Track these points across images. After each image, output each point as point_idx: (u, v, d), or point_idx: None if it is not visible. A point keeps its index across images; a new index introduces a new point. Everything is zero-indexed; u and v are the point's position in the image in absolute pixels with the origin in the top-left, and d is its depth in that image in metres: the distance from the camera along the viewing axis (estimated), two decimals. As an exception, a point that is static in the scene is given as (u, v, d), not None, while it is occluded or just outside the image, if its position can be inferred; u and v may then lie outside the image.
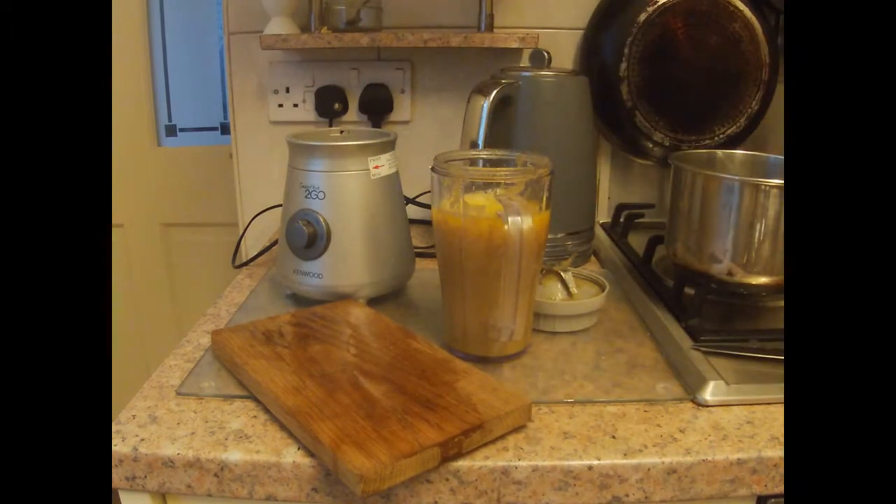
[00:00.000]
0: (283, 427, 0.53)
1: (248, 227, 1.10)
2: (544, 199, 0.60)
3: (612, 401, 0.57)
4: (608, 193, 1.12)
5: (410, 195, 1.02)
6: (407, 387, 0.54)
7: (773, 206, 0.69)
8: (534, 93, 0.84)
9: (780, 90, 0.99)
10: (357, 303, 0.72)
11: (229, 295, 0.81)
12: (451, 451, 0.48)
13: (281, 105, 1.10)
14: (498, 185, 0.59)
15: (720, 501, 0.52)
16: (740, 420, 0.54)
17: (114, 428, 0.53)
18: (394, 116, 1.09)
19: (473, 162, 0.68)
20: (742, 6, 0.92)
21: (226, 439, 0.51)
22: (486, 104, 0.80)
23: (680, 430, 0.53)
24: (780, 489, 0.50)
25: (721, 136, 0.98)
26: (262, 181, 1.14)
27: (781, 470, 0.50)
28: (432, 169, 0.61)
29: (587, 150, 0.90)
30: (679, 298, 0.72)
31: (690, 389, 0.58)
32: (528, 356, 0.65)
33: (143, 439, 0.51)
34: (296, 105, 1.09)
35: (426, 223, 1.09)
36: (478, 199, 0.59)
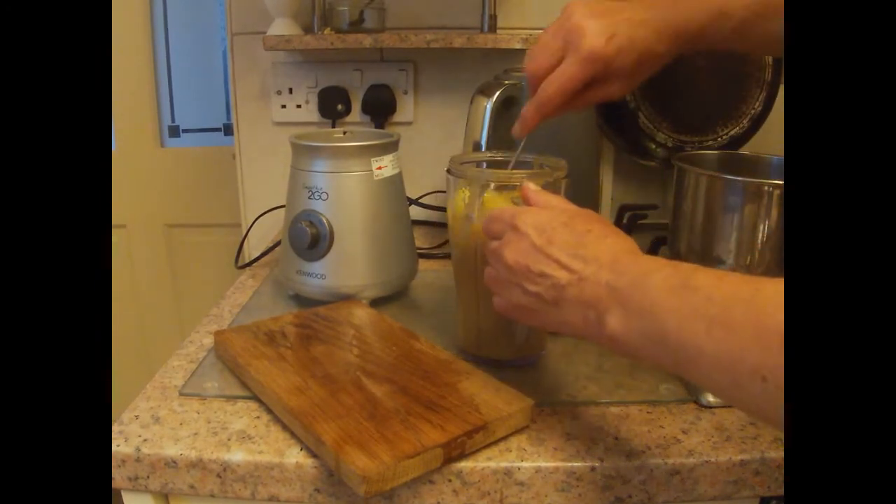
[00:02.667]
0: (285, 428, 0.53)
1: (251, 227, 1.10)
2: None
3: (614, 402, 0.57)
4: (611, 195, 1.12)
5: (413, 196, 1.02)
6: (410, 388, 0.54)
7: (776, 208, 0.69)
8: (536, 94, 0.84)
9: (783, 91, 0.99)
10: (360, 303, 0.72)
11: (232, 295, 0.81)
12: (454, 451, 0.48)
13: (284, 106, 1.10)
14: (514, 187, 0.59)
15: (723, 502, 0.52)
16: (743, 421, 0.54)
17: (116, 428, 0.53)
18: (397, 117, 1.10)
19: (489, 164, 0.67)
20: (745, 7, 0.92)
21: (228, 440, 0.51)
22: (488, 105, 0.80)
23: (683, 432, 0.53)
24: (783, 490, 0.50)
25: (724, 137, 0.98)
26: (265, 182, 1.14)
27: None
28: (448, 171, 0.61)
29: (590, 152, 0.89)
30: (682, 299, 0.71)
31: (693, 390, 0.58)
32: (531, 357, 0.65)
33: (145, 440, 0.51)
34: (299, 106, 1.10)
35: (429, 224, 1.09)
36: (494, 200, 0.59)
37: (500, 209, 0.52)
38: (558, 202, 0.52)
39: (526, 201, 0.53)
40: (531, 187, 0.54)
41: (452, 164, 0.61)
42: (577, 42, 0.53)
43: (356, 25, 0.99)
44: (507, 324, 0.61)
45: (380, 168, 0.74)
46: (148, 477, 0.51)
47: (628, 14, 0.54)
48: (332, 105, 1.08)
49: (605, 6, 0.54)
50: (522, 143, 0.59)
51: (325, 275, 0.73)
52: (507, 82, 0.82)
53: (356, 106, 1.09)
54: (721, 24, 0.56)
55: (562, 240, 0.46)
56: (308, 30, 1.02)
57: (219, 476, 0.50)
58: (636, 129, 0.97)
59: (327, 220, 0.72)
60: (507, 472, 0.49)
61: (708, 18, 0.56)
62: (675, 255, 0.81)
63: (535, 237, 0.47)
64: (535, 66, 0.56)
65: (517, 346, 0.62)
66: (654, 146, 0.99)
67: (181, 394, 0.58)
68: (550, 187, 0.58)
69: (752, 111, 0.97)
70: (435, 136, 1.10)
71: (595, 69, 0.54)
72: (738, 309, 0.35)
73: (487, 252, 0.51)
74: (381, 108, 1.08)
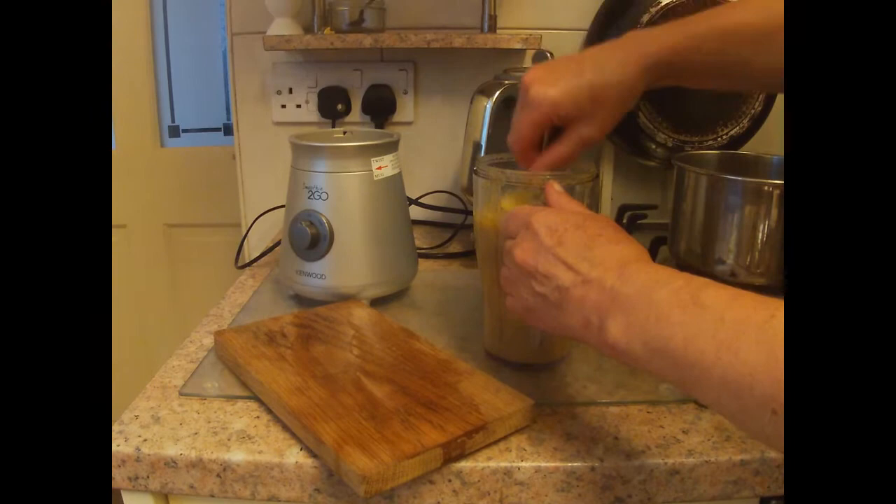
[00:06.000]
0: (285, 428, 0.53)
1: (251, 227, 1.10)
2: (584, 204, 0.59)
3: (614, 402, 0.57)
4: (611, 194, 1.12)
5: (413, 196, 1.03)
6: (410, 388, 0.54)
7: (776, 208, 0.69)
8: (537, 94, 0.84)
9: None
10: (360, 303, 0.72)
11: (232, 295, 0.81)
12: (454, 451, 0.48)
13: (284, 106, 1.10)
14: (535, 188, 0.58)
15: (723, 502, 0.52)
16: (743, 421, 0.54)
17: (116, 428, 0.53)
18: (397, 117, 1.10)
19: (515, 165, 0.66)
20: (745, 7, 0.92)
21: (228, 440, 0.51)
22: (489, 105, 0.80)
23: (683, 432, 0.53)
24: (783, 490, 0.50)
25: (724, 136, 0.98)
26: (265, 182, 1.14)
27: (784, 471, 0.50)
28: (475, 171, 0.60)
29: (590, 152, 0.89)
30: (682, 299, 0.71)
31: (693, 391, 0.58)
32: (531, 357, 0.65)
33: (145, 440, 0.51)
34: (299, 106, 1.10)
35: (429, 224, 1.09)
36: (514, 201, 0.58)
37: (517, 208, 0.52)
38: (576, 206, 0.52)
39: (546, 200, 0.53)
40: (555, 187, 0.53)
41: (479, 164, 0.61)
42: (526, 95, 0.55)
43: (356, 25, 0.99)
44: (523, 325, 0.61)
45: (380, 168, 0.74)
46: (148, 477, 0.51)
47: (578, 59, 0.56)
48: (332, 105, 1.08)
49: (557, 61, 0.57)
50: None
51: (325, 275, 0.73)
52: (507, 82, 0.83)
53: (356, 106, 1.09)
54: (691, 53, 0.56)
55: (572, 242, 0.46)
56: (308, 30, 1.02)
57: (219, 476, 0.50)
58: (636, 129, 0.97)
59: (327, 220, 0.72)
60: (507, 472, 0.49)
61: (671, 48, 0.56)
62: (675, 256, 0.81)
63: (545, 237, 0.47)
64: (511, 137, 0.58)
65: (533, 350, 0.62)
66: (654, 146, 0.99)
67: (181, 394, 0.58)
68: (572, 190, 0.58)
69: (752, 111, 0.97)
70: (435, 136, 1.10)
71: (543, 112, 0.55)
72: (750, 335, 0.34)
73: (503, 252, 0.51)
74: (381, 107, 1.08)
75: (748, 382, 0.33)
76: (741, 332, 0.34)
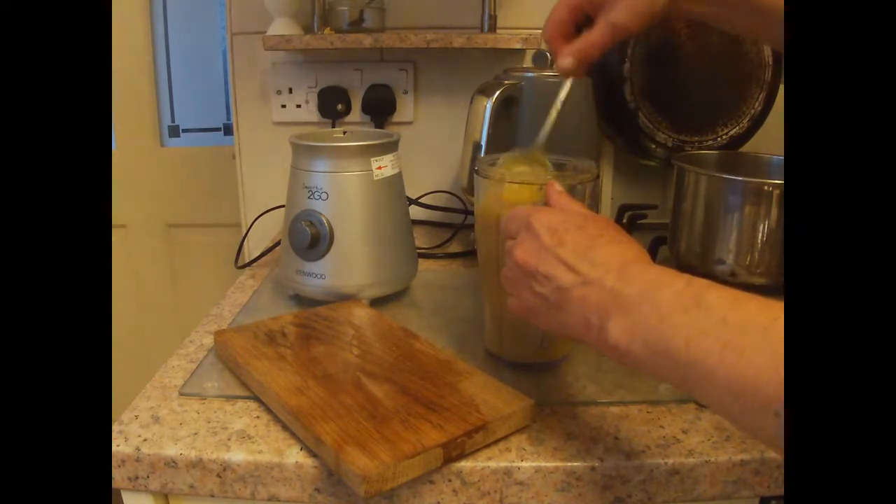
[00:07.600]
0: (285, 427, 0.53)
1: (251, 227, 1.10)
2: (585, 204, 0.59)
3: (614, 402, 0.57)
4: (611, 194, 1.12)
5: (413, 196, 1.02)
6: (410, 388, 0.54)
7: (776, 208, 0.69)
8: (537, 94, 0.84)
9: (783, 91, 0.99)
10: (360, 303, 0.72)
11: (232, 295, 0.81)
12: (454, 451, 0.48)
13: (284, 106, 1.10)
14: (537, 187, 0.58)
15: (723, 502, 0.52)
16: (743, 421, 0.54)
17: (116, 428, 0.53)
18: (397, 117, 1.10)
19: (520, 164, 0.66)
20: (745, 7, 0.92)
21: (228, 440, 0.51)
22: (489, 105, 0.80)
23: (683, 432, 0.53)
24: (783, 490, 0.50)
25: (724, 136, 0.98)
26: (265, 182, 1.14)
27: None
28: (476, 171, 0.60)
29: (590, 151, 0.89)
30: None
31: (693, 390, 0.58)
32: (531, 357, 0.65)
33: (145, 439, 0.51)
34: (299, 106, 1.10)
35: (429, 224, 1.09)
36: (514, 199, 0.58)
37: (518, 208, 0.52)
38: (577, 206, 0.51)
39: (547, 200, 0.53)
40: (556, 187, 0.53)
41: (480, 164, 0.61)
42: None
43: (356, 25, 0.99)
44: (524, 325, 0.61)
45: (380, 168, 0.74)
46: (148, 477, 0.51)
47: None
48: (332, 105, 1.08)
49: None
50: (555, 113, 0.59)
51: (325, 275, 0.73)
52: (507, 82, 0.83)
53: (356, 106, 1.09)
54: None
55: (572, 242, 0.46)
56: (308, 30, 1.02)
57: (219, 476, 0.50)
58: (636, 129, 0.97)
59: (327, 220, 0.72)
60: (507, 472, 0.49)
61: None
62: (675, 256, 0.81)
63: (545, 238, 0.47)
64: (545, 24, 0.58)
65: (533, 350, 0.62)
66: (654, 146, 0.99)
67: (181, 394, 0.58)
68: (573, 190, 0.58)
69: (752, 111, 0.97)
70: (435, 136, 1.10)
71: None
72: (753, 336, 0.34)
73: (504, 252, 0.51)
74: (380, 107, 1.08)
75: (751, 384, 0.33)
76: (745, 334, 0.34)
